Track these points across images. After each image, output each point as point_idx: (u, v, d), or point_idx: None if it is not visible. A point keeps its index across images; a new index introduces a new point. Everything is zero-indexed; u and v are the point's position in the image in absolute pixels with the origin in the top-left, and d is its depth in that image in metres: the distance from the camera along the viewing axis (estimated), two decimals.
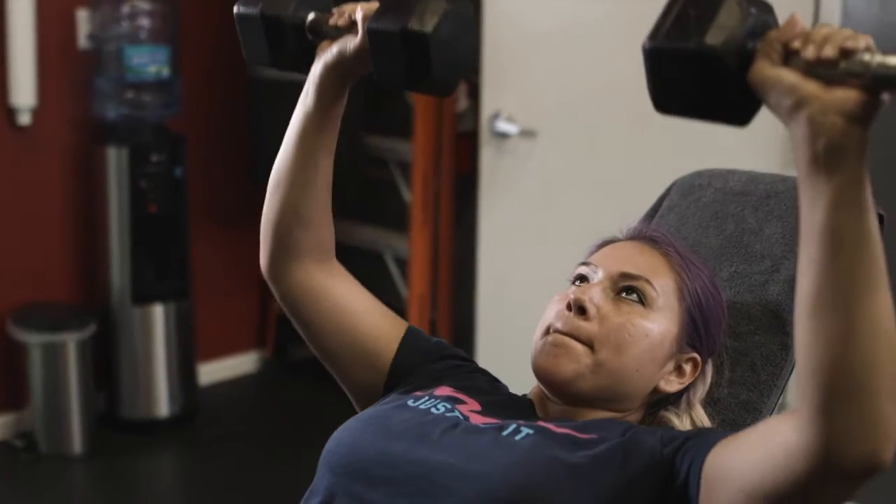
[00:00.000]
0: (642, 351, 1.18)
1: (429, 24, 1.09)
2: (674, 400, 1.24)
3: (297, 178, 1.27)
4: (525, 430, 1.11)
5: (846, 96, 0.81)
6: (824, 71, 0.82)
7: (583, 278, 1.26)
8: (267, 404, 3.80)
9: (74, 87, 3.33)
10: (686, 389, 1.24)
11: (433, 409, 1.17)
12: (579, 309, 1.19)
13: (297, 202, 1.28)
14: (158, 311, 3.35)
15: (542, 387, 1.24)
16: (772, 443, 0.92)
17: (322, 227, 1.31)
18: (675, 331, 1.21)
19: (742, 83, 0.87)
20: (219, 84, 3.66)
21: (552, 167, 3.05)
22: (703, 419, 1.24)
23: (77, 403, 3.19)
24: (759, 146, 2.70)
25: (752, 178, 1.48)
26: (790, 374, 1.31)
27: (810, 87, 0.82)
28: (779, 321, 1.31)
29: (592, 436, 1.10)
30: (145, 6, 3.21)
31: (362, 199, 3.74)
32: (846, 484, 0.89)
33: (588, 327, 1.18)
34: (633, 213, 2.82)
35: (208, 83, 3.62)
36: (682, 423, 1.22)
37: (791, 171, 2.78)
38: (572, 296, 1.20)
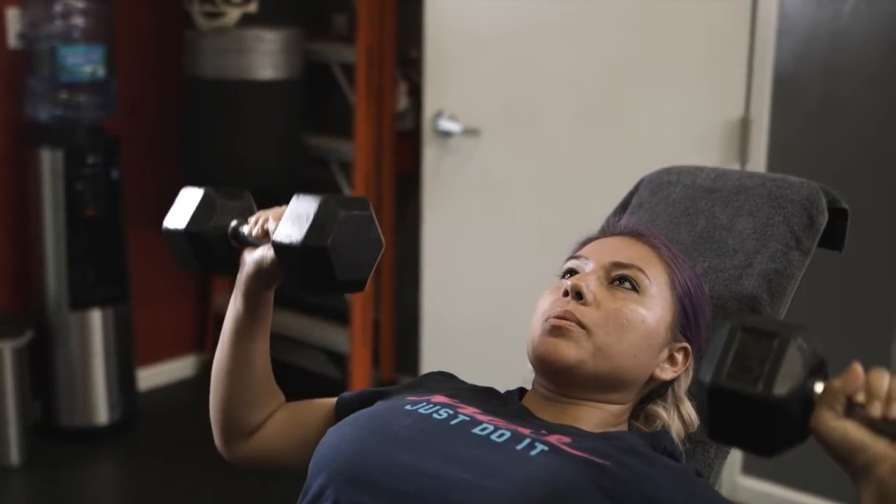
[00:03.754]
0: (640, 336, 1.19)
1: (328, 237, 1.11)
2: (661, 392, 1.26)
3: (237, 374, 1.32)
4: (540, 447, 1.07)
5: None
6: (890, 428, 0.83)
7: (573, 272, 1.26)
8: (207, 408, 3.73)
9: (5, 87, 3.24)
10: (670, 382, 1.26)
11: (435, 415, 1.13)
12: (576, 295, 1.19)
13: (239, 394, 1.33)
14: (96, 317, 3.28)
15: (541, 379, 1.23)
16: None
17: (267, 405, 1.35)
18: (669, 318, 1.22)
19: (800, 425, 0.87)
20: (155, 84, 3.59)
21: (496, 165, 3.07)
22: (690, 412, 1.26)
23: (13, 413, 3.10)
24: (700, 144, 2.75)
25: (720, 174, 1.51)
26: None
27: (880, 445, 0.83)
28: (754, 314, 1.34)
29: (606, 462, 1.07)
30: (79, 4, 3.13)
31: None
32: None
33: (587, 312, 1.18)
34: (574, 209, 2.87)
35: (144, 83, 3.55)
36: (669, 416, 1.24)
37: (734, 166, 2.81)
38: (569, 282, 1.20)
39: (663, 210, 1.50)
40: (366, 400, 1.30)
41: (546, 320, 1.19)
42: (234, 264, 1.28)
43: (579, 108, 2.91)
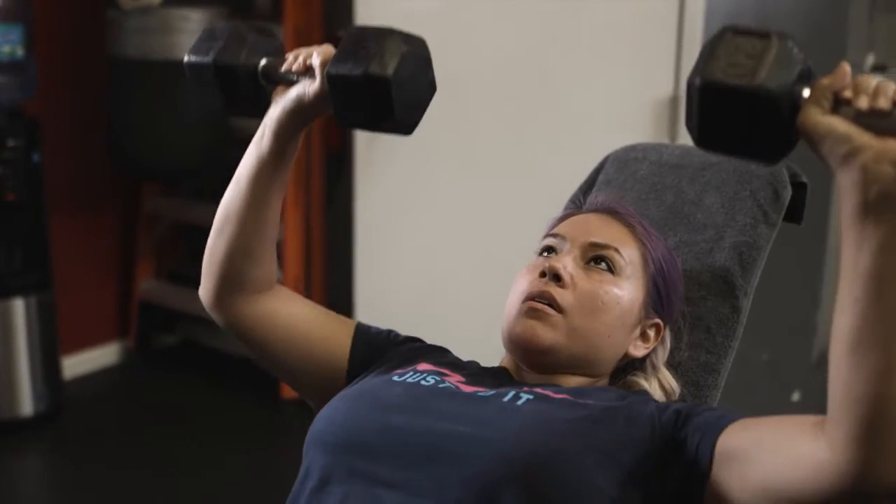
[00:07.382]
0: (614, 317, 1.23)
1: (389, 67, 1.09)
2: (639, 365, 1.30)
3: (249, 218, 1.27)
4: (525, 396, 1.12)
5: None
6: (875, 122, 0.86)
7: (551, 249, 1.29)
8: (133, 396, 3.67)
9: None
10: (648, 354, 1.30)
11: (423, 382, 1.17)
12: (554, 276, 1.22)
13: (248, 241, 1.28)
14: (19, 305, 3.18)
15: (515, 357, 1.26)
16: (798, 452, 0.95)
17: (270, 261, 1.32)
18: (642, 297, 1.26)
19: (788, 126, 0.89)
20: (76, 64, 3.49)
21: (428, 144, 3.06)
22: (670, 380, 1.30)
23: None
24: (630, 122, 2.80)
25: (686, 151, 1.55)
26: (741, 334, 1.38)
27: (864, 136, 0.86)
28: (728, 286, 1.38)
29: (588, 401, 1.13)
30: None
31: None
32: (872, 502, 0.91)
33: (564, 294, 1.21)
34: (506, 187, 2.89)
35: (65, 64, 3.44)
36: (650, 386, 1.28)
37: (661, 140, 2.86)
38: (546, 264, 1.23)
39: (631, 186, 1.53)
40: (384, 338, 1.33)
41: (523, 302, 1.22)
42: (261, 104, 1.24)
43: (511, 86, 2.93)
